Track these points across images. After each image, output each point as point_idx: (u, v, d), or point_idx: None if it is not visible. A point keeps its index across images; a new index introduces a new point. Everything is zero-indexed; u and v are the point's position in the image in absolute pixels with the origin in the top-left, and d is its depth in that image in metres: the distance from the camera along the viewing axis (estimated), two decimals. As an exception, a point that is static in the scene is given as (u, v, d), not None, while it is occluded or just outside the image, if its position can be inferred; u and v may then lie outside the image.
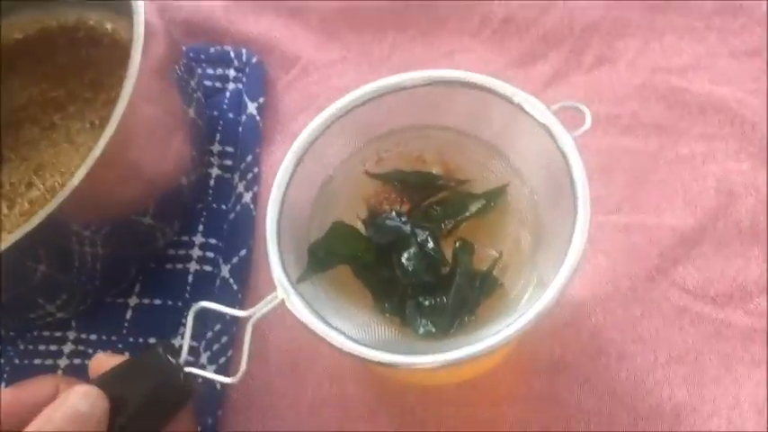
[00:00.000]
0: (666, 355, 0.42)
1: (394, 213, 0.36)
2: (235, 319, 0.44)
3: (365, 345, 0.32)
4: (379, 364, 0.31)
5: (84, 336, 0.45)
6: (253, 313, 0.34)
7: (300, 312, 0.33)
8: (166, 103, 0.42)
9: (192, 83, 0.45)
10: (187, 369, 0.35)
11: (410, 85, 0.36)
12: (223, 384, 0.43)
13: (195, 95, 0.45)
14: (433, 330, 0.34)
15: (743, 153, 0.44)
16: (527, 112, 0.34)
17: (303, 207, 0.36)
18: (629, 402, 0.41)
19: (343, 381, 0.43)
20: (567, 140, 0.33)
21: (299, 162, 0.35)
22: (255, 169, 0.47)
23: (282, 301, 0.33)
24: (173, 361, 0.35)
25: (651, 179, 0.45)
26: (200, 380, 0.35)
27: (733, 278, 0.42)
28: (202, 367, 0.43)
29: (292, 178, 0.35)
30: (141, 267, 0.45)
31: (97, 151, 0.34)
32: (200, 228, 0.46)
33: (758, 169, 0.44)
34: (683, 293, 0.43)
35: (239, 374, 0.34)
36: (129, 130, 0.37)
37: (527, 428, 0.41)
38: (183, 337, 0.44)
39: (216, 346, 0.44)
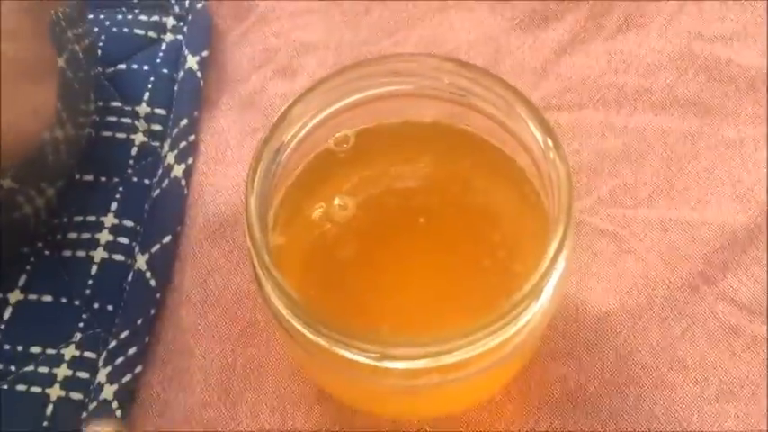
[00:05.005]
0: (715, 387, 0.32)
1: None
2: (147, 320, 0.34)
3: None
4: None
5: (-56, 340, 0.34)
6: None
7: None
8: (26, 42, 0.32)
9: (70, 33, 0.35)
10: None
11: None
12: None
13: (70, 47, 0.35)
14: None
15: (804, 139, 0.36)
16: None
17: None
18: (670, 449, 0.31)
19: (289, 410, 0.32)
20: None
21: None
22: (191, 137, 0.37)
23: None
24: None
25: (691, 167, 0.36)
26: None
27: (798, 291, 0.33)
28: (100, 387, 0.32)
29: None
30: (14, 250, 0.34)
31: None
32: (114, 206, 0.36)
33: (823, 159, 0.35)
34: (734, 308, 0.33)
35: None
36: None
37: (533, 481, 0.30)
38: (77, 346, 0.34)
39: (120, 360, 0.33)
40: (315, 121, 0.28)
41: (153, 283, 0.34)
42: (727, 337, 0.33)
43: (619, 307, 0.33)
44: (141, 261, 0.35)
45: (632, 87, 0.37)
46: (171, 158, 0.37)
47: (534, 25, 0.39)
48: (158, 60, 0.39)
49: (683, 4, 0.39)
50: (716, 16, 0.38)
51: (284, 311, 0.25)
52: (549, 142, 0.25)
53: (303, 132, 0.28)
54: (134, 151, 0.37)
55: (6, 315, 0.34)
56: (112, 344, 0.33)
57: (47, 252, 0.35)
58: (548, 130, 0.25)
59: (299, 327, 0.24)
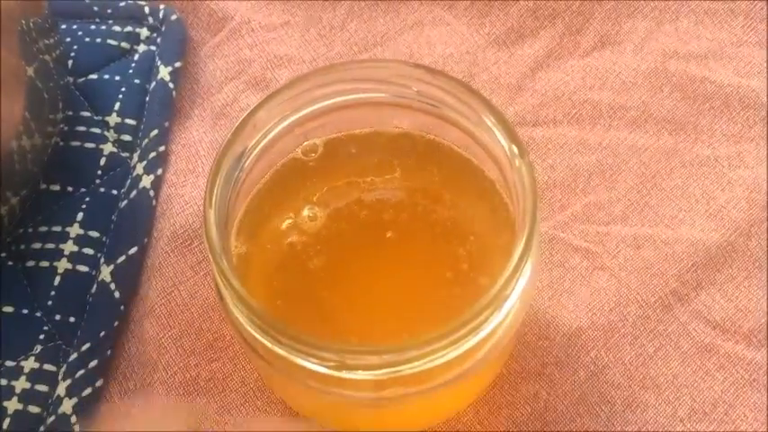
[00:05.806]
0: (687, 407, 0.31)
1: None
2: (111, 333, 0.33)
3: None
4: None
5: None
6: None
7: None
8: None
9: (41, 43, 0.35)
10: None
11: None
12: None
13: (40, 57, 0.35)
14: None
15: (779, 158, 0.36)
16: None
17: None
18: (641, 469, 0.30)
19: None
20: None
21: None
22: (161, 148, 0.37)
23: None
24: None
25: (665, 184, 0.35)
26: None
27: (773, 310, 0.33)
28: (59, 400, 0.31)
29: None
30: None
31: None
32: (79, 216, 0.35)
33: (798, 177, 0.35)
34: (707, 327, 0.33)
35: None
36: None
37: (501, 502, 0.29)
38: (37, 359, 0.33)
39: (80, 373, 0.32)
40: (280, 127, 0.27)
41: (117, 294, 0.34)
42: (701, 356, 0.32)
43: (590, 324, 0.33)
44: (106, 272, 0.34)
45: (607, 104, 0.37)
46: (140, 169, 0.36)
47: (510, 41, 0.39)
48: (130, 71, 0.39)
49: (659, 23, 0.39)
50: (691, 35, 0.38)
51: (243, 320, 0.24)
52: (515, 149, 0.25)
53: (268, 139, 0.27)
54: (102, 161, 0.37)
55: (-35, 326, 0.33)
56: (73, 356, 0.32)
57: (9, 262, 0.34)
58: (513, 137, 0.25)
59: (258, 335, 0.24)
